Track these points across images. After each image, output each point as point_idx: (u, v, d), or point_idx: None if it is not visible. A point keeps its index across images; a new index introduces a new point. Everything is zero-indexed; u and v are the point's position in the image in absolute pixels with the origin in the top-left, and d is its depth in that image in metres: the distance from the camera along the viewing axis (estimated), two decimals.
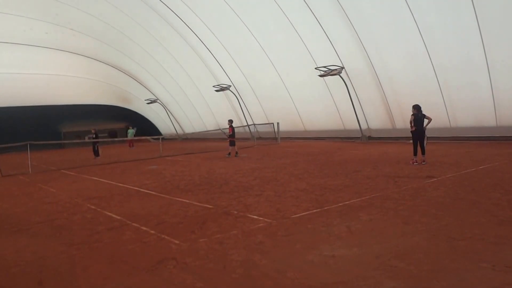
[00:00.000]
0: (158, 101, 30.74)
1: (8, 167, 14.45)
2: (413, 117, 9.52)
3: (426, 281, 3.07)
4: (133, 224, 5.45)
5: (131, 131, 25.48)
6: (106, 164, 14.85)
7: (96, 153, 17.95)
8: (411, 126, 9.57)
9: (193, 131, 29.25)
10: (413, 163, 9.49)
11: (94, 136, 18.53)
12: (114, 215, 6.05)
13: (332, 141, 19.10)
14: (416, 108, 9.59)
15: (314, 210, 5.56)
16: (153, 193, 7.89)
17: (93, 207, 6.82)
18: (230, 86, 23.44)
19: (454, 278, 3.09)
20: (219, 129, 16.07)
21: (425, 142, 9.65)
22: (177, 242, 4.49)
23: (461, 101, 14.42)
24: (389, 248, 3.82)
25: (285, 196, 6.68)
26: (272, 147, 18.20)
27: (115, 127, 33.54)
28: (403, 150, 12.31)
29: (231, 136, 14.89)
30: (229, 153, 14.81)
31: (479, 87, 13.57)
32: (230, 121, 15.32)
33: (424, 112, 9.65)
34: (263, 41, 19.32)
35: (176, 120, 31.80)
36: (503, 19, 12.08)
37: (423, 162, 9.48)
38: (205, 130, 27.23)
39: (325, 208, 5.66)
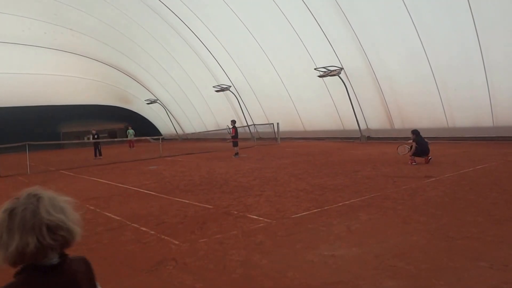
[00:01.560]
0: (158, 101, 30.74)
1: (7, 167, 14.43)
2: (414, 142, 9.57)
3: (425, 280, 3.09)
4: (132, 224, 5.46)
5: (131, 131, 25.53)
6: (106, 164, 14.84)
7: (98, 153, 17.96)
8: (411, 150, 9.66)
9: (193, 131, 29.26)
10: (411, 163, 9.53)
11: (95, 136, 18.53)
12: (113, 216, 6.06)
13: (331, 141, 19.13)
14: (415, 133, 9.75)
15: (314, 210, 5.57)
16: (153, 193, 7.89)
17: (92, 207, 6.83)
18: (230, 86, 23.46)
19: (452, 277, 3.11)
20: (227, 128, 16.19)
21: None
22: (177, 242, 4.50)
23: (459, 101, 14.47)
24: (388, 248, 3.84)
25: (285, 196, 6.69)
26: (272, 147, 18.22)
27: (114, 127, 33.53)
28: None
29: (234, 136, 14.95)
30: (237, 153, 14.78)
31: (476, 88, 13.61)
32: (233, 122, 15.37)
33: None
34: (263, 42, 19.35)
35: (176, 120, 31.80)
36: (500, 19, 12.12)
37: (430, 158, 9.56)
38: (205, 130, 27.23)
39: (325, 208, 5.68)
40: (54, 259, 1.10)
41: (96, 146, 18.26)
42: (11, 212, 1.08)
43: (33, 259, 1.07)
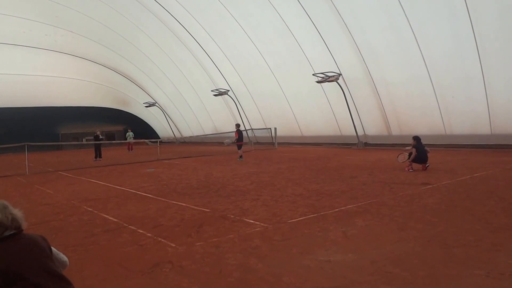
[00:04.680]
0: (156, 104, 30.75)
1: (5, 168, 14.39)
2: (415, 149, 9.55)
3: (421, 287, 3.09)
4: (129, 226, 5.45)
5: (130, 134, 25.54)
6: (104, 166, 14.82)
7: (99, 155, 17.89)
8: (410, 156, 9.67)
9: (191, 134, 29.26)
10: (408, 170, 9.55)
11: (99, 137, 18.52)
12: (110, 218, 6.05)
13: (329, 147, 19.16)
14: (416, 140, 9.72)
15: (311, 215, 5.58)
16: (150, 196, 7.88)
17: (90, 209, 6.81)
18: (229, 90, 23.51)
19: (448, 285, 3.11)
20: (226, 143, 16.53)
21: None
22: (173, 245, 4.49)
23: (457, 109, 14.54)
24: (384, 254, 3.85)
25: (282, 201, 6.70)
26: (269, 152, 18.24)
27: (113, 129, 33.53)
28: None
29: (238, 140, 15.14)
30: (241, 156, 14.92)
31: (474, 96, 13.69)
32: (237, 125, 15.62)
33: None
34: (262, 46, 19.44)
35: (174, 123, 31.81)
36: (499, 27, 12.22)
37: (427, 165, 9.60)
38: (203, 134, 27.27)
39: (322, 213, 5.68)
40: (10, 232, 1.84)
41: (98, 147, 18.18)
42: None
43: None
